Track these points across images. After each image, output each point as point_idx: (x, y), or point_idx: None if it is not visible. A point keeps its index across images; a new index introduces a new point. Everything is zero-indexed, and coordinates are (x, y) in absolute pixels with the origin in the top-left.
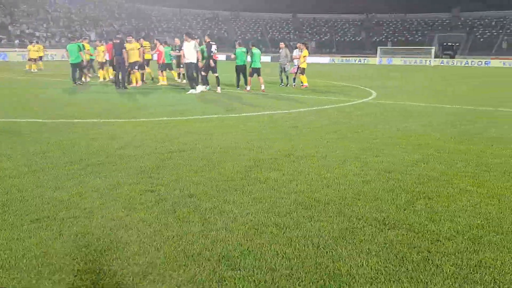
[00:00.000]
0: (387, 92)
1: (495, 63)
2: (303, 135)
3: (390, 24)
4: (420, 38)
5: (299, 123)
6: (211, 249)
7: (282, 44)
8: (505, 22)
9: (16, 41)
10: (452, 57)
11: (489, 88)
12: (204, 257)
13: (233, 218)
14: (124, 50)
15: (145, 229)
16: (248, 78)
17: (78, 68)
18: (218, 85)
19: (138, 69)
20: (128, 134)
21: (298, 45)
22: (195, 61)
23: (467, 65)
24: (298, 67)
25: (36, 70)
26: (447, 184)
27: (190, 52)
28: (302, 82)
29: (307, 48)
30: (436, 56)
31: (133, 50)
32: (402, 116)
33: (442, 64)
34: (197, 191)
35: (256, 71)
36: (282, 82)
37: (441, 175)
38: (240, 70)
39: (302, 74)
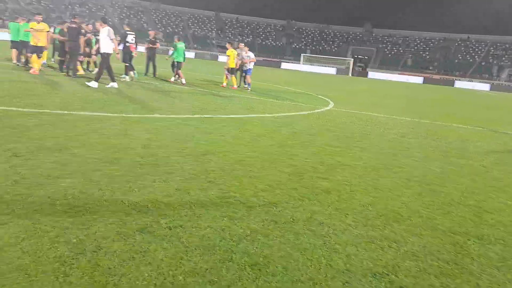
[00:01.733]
0: (341, 101)
1: (402, 78)
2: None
3: (309, 32)
4: (336, 48)
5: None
6: None
7: (241, 45)
8: (410, 41)
9: None
10: (364, 69)
11: (422, 103)
12: None
13: None
14: (81, 36)
15: None
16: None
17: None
18: (127, 74)
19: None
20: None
21: (240, 45)
22: (109, 51)
23: (380, 78)
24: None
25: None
26: None
27: (104, 40)
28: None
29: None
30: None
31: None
32: (380, 125)
33: (355, 76)
34: None
35: (180, 65)
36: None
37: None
38: (179, 67)
39: (234, 75)
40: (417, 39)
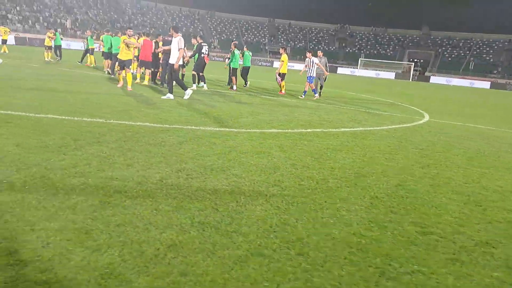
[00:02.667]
0: (433, 111)
1: (465, 82)
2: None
3: (363, 36)
4: (391, 52)
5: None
6: None
7: (320, 53)
8: (471, 44)
9: None
10: (421, 73)
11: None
12: None
13: None
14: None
15: None
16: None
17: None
18: (197, 83)
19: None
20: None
21: (319, 53)
22: (180, 62)
23: (442, 83)
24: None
25: (51, 60)
26: None
27: (175, 50)
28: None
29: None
30: (406, 71)
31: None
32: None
33: (416, 81)
34: None
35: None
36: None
37: None
38: (246, 71)
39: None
40: (479, 42)
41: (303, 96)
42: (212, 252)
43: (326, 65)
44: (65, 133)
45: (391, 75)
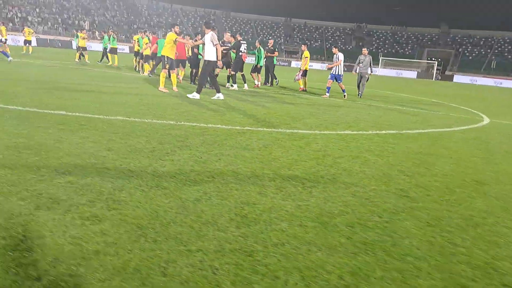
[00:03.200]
0: (489, 111)
1: (489, 81)
2: None
3: (381, 35)
4: (410, 51)
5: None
6: None
7: (365, 50)
8: (492, 42)
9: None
10: (442, 72)
11: None
12: None
13: None
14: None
15: None
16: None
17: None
18: (235, 83)
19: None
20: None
21: (364, 51)
22: (212, 59)
23: (466, 82)
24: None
25: (88, 61)
26: None
27: (208, 46)
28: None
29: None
30: (427, 69)
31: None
32: None
33: (440, 80)
34: None
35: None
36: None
37: None
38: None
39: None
40: (500, 40)
41: (327, 94)
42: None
43: (370, 65)
44: (147, 136)
45: (413, 74)
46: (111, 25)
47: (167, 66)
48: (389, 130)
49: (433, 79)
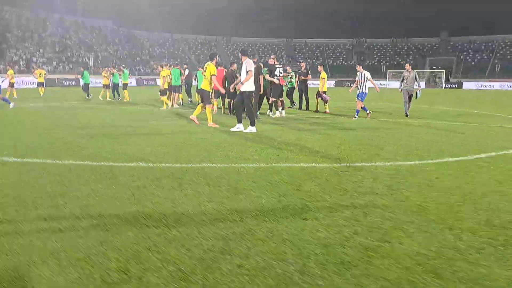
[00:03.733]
0: None
1: (501, 86)
2: None
3: (381, 48)
4: (412, 62)
5: None
6: None
7: (408, 66)
8: (494, 46)
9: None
10: (446, 80)
11: None
12: None
13: None
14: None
15: None
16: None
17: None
18: (277, 109)
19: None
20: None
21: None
22: (251, 89)
23: (475, 88)
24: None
25: (109, 99)
26: None
27: (246, 75)
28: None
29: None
30: (430, 79)
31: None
32: None
33: (452, 87)
34: None
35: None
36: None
37: None
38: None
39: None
40: (501, 43)
41: (356, 116)
42: None
43: (417, 79)
44: (259, 186)
45: (422, 84)
46: (114, 59)
47: (202, 100)
48: (490, 153)
49: (443, 88)
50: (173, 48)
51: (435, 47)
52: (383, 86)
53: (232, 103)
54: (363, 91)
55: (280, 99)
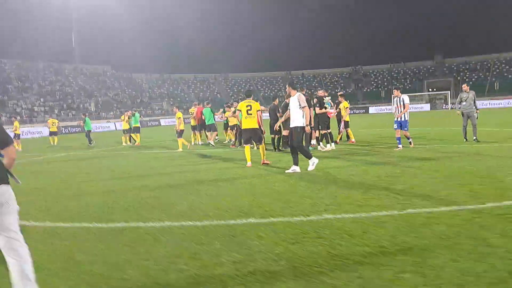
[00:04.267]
0: None
1: (501, 103)
2: None
3: (378, 74)
4: (409, 85)
5: None
6: None
7: (466, 86)
8: (489, 65)
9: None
10: (445, 101)
11: None
12: None
13: None
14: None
15: None
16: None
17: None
18: (327, 142)
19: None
20: None
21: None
22: (302, 124)
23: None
24: (343, 121)
25: (131, 144)
26: None
27: (295, 110)
28: (349, 137)
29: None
30: (430, 101)
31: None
32: None
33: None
34: None
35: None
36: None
37: None
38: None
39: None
40: (496, 62)
41: (400, 146)
42: None
43: (474, 101)
44: (366, 245)
45: (426, 106)
46: (115, 103)
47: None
48: None
49: (449, 109)
50: (172, 88)
51: (431, 70)
52: (390, 111)
53: (276, 139)
54: (404, 118)
55: (328, 131)
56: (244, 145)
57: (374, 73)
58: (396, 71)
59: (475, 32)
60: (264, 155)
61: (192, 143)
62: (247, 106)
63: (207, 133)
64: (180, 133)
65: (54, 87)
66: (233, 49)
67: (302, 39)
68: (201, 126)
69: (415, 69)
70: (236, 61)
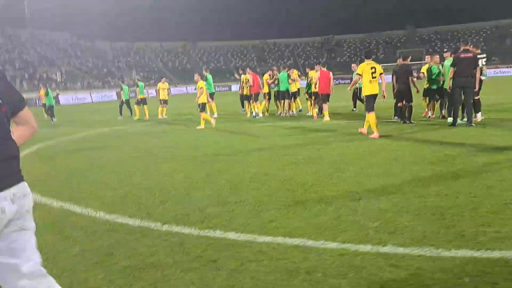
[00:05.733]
0: None
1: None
2: None
3: (350, 44)
4: (383, 55)
5: None
6: None
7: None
8: (459, 35)
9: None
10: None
11: None
12: None
13: None
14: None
15: None
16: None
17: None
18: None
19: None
20: None
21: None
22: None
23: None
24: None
25: (165, 116)
26: None
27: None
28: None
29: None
30: None
31: None
32: None
33: None
34: None
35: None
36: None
37: None
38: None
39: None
40: (466, 32)
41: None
42: None
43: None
44: None
45: None
46: (81, 73)
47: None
48: None
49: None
50: (138, 57)
51: (402, 40)
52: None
53: (403, 106)
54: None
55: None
56: (369, 112)
57: (347, 43)
58: (368, 40)
59: (446, 2)
60: (373, 124)
61: (259, 114)
62: (371, 68)
63: (278, 102)
64: (203, 107)
65: (12, 55)
66: (201, 16)
67: (274, 9)
68: (257, 95)
69: (387, 39)
70: (206, 29)
